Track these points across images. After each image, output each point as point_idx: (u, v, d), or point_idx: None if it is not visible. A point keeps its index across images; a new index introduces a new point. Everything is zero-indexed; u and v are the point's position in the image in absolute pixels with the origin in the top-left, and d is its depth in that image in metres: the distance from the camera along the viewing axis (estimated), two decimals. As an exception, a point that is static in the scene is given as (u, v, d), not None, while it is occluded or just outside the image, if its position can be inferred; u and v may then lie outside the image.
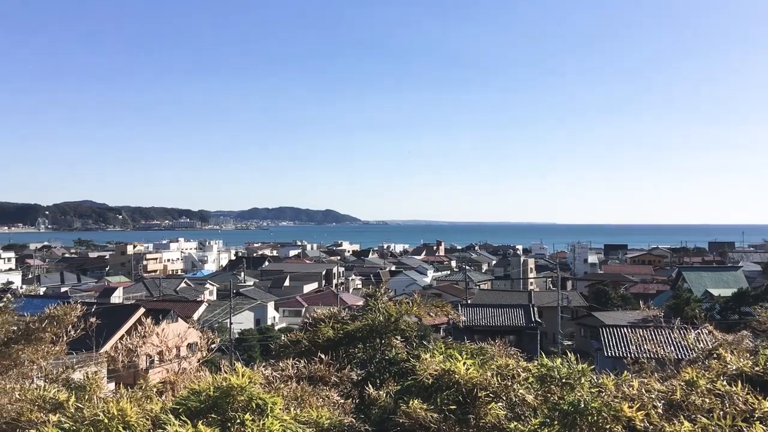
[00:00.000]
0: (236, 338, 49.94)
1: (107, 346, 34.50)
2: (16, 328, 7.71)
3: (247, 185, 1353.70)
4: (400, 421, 5.12)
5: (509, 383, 5.60)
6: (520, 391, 5.61)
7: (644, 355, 11.81)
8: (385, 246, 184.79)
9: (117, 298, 65.18)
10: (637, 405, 5.21)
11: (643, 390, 5.50)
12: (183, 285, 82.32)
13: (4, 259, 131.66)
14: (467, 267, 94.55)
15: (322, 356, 6.70)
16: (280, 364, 6.61)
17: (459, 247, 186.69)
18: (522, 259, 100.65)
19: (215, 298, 73.77)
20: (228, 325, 50.56)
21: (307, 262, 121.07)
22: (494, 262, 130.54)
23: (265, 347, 52.65)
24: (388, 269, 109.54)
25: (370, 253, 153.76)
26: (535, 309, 51.68)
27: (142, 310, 48.32)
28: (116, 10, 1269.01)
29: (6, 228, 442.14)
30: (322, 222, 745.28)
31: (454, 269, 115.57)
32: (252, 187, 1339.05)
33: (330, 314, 8.24)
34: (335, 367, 6.76)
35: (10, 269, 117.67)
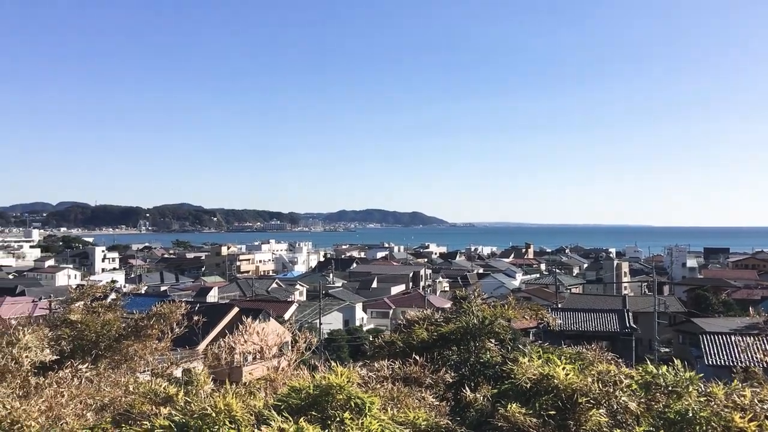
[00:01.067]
0: (325, 338, 50.78)
1: (204, 344, 35.87)
2: (125, 324, 8.14)
3: (335, 188, 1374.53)
4: (498, 424, 5.07)
5: (611, 390, 5.44)
6: (623, 398, 5.44)
7: (752, 363, 11.21)
8: (473, 248, 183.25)
9: (212, 297, 67.46)
10: (749, 415, 4.96)
11: (756, 400, 5.22)
12: (274, 285, 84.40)
13: (109, 259, 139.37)
14: (557, 270, 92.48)
15: (417, 358, 6.72)
16: (375, 364, 6.68)
17: (549, 250, 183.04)
18: (615, 262, 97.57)
19: (305, 299, 75.22)
20: (317, 326, 51.51)
21: (394, 264, 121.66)
22: (586, 265, 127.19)
23: (354, 348, 53.29)
24: (475, 272, 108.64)
25: (458, 256, 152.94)
26: (630, 314, 49.94)
27: (236, 310, 49.92)
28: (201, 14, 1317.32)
29: (111, 230, 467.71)
30: (409, 224, 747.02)
31: (544, 272, 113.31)
32: (340, 190, 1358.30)
33: (423, 316, 8.25)
34: (429, 369, 6.77)
35: (114, 269, 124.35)
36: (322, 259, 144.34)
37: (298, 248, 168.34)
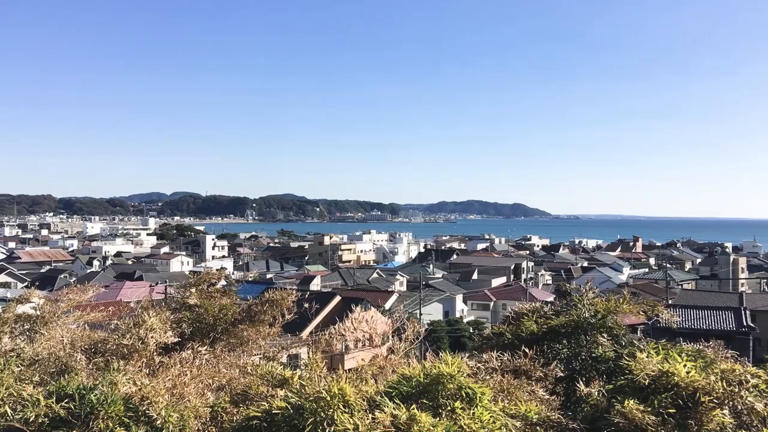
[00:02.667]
0: (425, 329, 50.98)
1: (308, 330, 36.83)
2: (240, 309, 8.49)
3: (435, 179, 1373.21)
4: (615, 420, 4.92)
5: (736, 389, 5.16)
6: (749, 398, 5.14)
7: None
8: (577, 241, 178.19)
9: (315, 285, 69.03)
10: None
11: None
12: (375, 275, 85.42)
13: (218, 247, 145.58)
14: (668, 265, 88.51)
15: (526, 350, 6.63)
16: (484, 355, 6.65)
17: (658, 244, 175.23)
18: (732, 257, 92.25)
19: (405, 289, 75.70)
20: (417, 316, 51.80)
21: (495, 256, 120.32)
22: (699, 260, 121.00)
23: (454, 339, 53.19)
24: (579, 265, 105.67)
25: (561, 248, 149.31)
26: (747, 312, 47.14)
27: (338, 298, 51.00)
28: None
29: (220, 219, 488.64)
30: (510, 216, 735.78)
31: (653, 267, 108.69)
32: (440, 181, 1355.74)
33: (532, 308, 8.13)
34: (539, 362, 6.66)
35: (224, 256, 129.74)
36: (422, 249, 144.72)
37: (398, 239, 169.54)
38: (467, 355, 6.68)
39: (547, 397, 6.16)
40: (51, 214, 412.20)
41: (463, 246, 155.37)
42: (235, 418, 5.41)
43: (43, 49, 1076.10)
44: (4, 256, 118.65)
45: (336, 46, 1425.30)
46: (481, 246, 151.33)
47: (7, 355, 6.12)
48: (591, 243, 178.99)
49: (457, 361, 5.24)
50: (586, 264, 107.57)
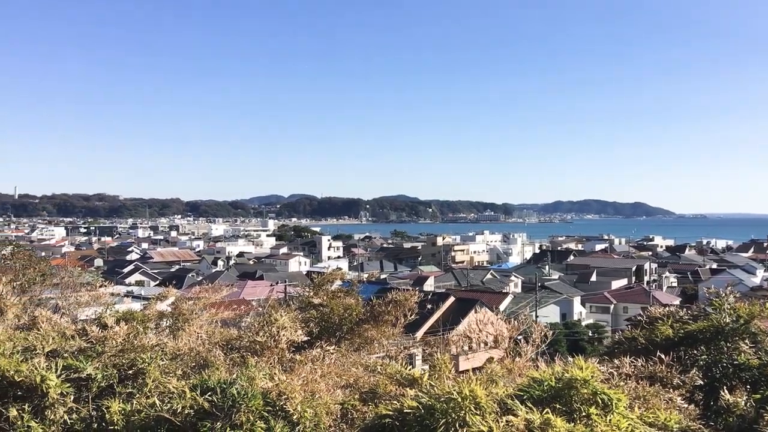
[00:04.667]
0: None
1: (422, 331, 37.02)
2: (364, 309, 8.66)
3: (550, 178, 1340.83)
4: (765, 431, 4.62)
5: None
6: None
7: None
8: (704, 241, 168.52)
9: (429, 286, 69.22)
10: None
11: None
12: (489, 276, 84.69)
13: (334, 247, 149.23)
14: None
15: (661, 356, 6.34)
16: (616, 361, 6.42)
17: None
18: None
19: (520, 291, 74.55)
20: (533, 318, 50.81)
21: (615, 257, 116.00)
22: None
23: (572, 342, 51.76)
24: (707, 267, 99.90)
25: (686, 249, 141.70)
26: None
27: (452, 299, 50.92)
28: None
29: (335, 220, 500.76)
30: (631, 215, 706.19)
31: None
32: (556, 180, 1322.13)
33: (667, 312, 7.76)
34: (676, 369, 6.35)
35: (339, 257, 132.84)
36: (537, 250, 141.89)
37: (512, 239, 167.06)
38: (597, 359, 6.47)
39: (686, 405, 5.86)
40: (179, 216, 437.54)
41: (580, 247, 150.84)
42: (365, 416, 5.51)
43: (169, 54, 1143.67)
44: (139, 256, 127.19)
45: (451, 42, 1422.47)
46: (599, 247, 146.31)
47: (153, 349, 6.52)
48: (720, 243, 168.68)
49: (590, 366, 5.09)
50: (714, 266, 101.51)
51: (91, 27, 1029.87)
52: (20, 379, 5.32)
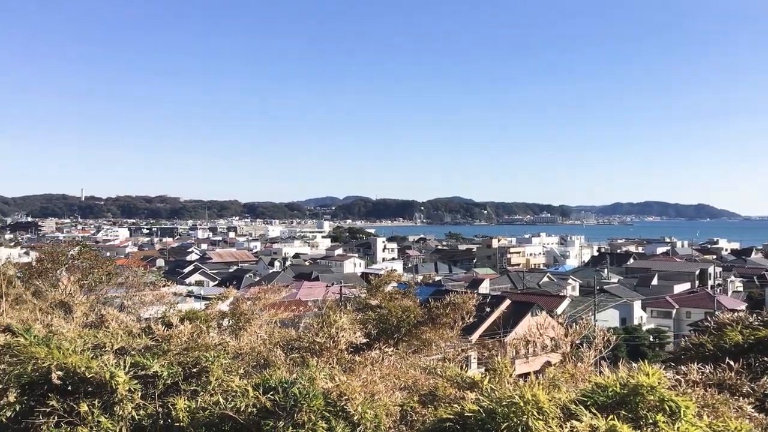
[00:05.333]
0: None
1: (477, 333, 36.75)
2: (422, 312, 8.65)
3: (609, 179, 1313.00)
4: None
5: None
6: None
7: None
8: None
9: (484, 288, 68.69)
10: None
11: None
12: (545, 279, 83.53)
13: (388, 249, 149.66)
14: None
15: (731, 363, 6.12)
16: (682, 367, 6.24)
17: None
18: None
19: (577, 294, 73.31)
20: (592, 322, 49.80)
21: (677, 260, 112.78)
22: None
23: (632, 348, 50.51)
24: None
25: (753, 252, 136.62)
26: None
27: (508, 302, 50.38)
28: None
29: (389, 222, 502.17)
30: (694, 217, 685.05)
31: None
32: (614, 181, 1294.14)
33: (736, 318, 7.50)
34: (746, 376, 6.12)
35: (393, 258, 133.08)
36: (595, 253, 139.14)
37: (569, 242, 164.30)
38: (663, 366, 6.29)
39: (756, 414, 5.65)
40: (237, 218, 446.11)
41: (640, 249, 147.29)
42: (425, 419, 5.49)
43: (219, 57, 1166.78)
44: (198, 256, 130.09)
45: (501, 46, 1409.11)
46: (660, 250, 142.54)
47: (215, 348, 6.65)
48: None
49: (657, 372, 4.95)
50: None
51: (150, 34, 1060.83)
52: (91, 375, 5.49)
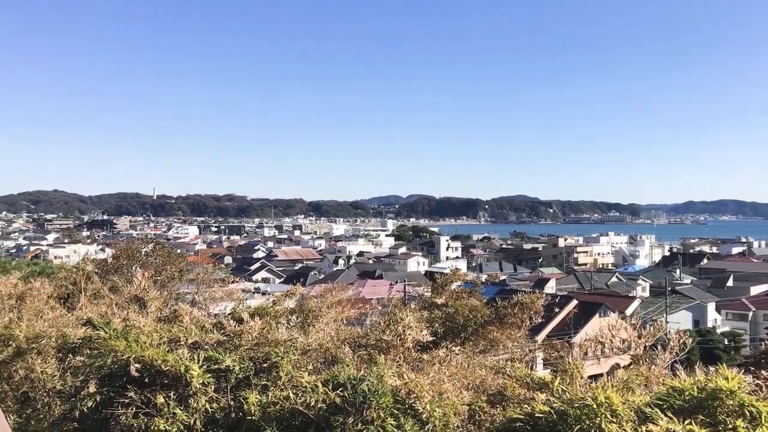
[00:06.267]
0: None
1: (543, 334, 36.18)
2: (489, 311, 8.58)
3: (680, 177, 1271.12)
4: None
5: None
6: None
7: None
8: None
9: (550, 288, 67.58)
10: None
11: None
12: (614, 279, 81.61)
13: (452, 248, 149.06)
14: None
15: (815, 368, 5.84)
16: (763, 371, 5.98)
17: None
18: None
19: (648, 295, 71.32)
20: (663, 324, 48.35)
21: (754, 260, 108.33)
22: None
23: (705, 351, 48.80)
24: None
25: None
26: None
27: (574, 302, 49.40)
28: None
29: (453, 220, 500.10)
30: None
31: None
32: (686, 179, 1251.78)
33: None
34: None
35: (457, 257, 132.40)
36: (666, 253, 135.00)
37: (639, 241, 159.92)
38: (741, 370, 6.06)
39: None
40: (302, 216, 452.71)
41: (714, 249, 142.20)
42: (493, 419, 5.45)
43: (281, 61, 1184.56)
44: (265, 254, 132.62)
45: (561, 45, 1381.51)
46: (736, 250, 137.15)
47: (285, 344, 6.76)
48: None
49: (737, 376, 4.77)
50: None
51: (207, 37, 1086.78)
52: (167, 368, 5.66)
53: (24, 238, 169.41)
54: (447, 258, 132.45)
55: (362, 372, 5.72)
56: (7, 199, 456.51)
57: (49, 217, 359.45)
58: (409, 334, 6.88)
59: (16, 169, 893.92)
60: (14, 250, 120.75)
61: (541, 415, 4.61)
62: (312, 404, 5.11)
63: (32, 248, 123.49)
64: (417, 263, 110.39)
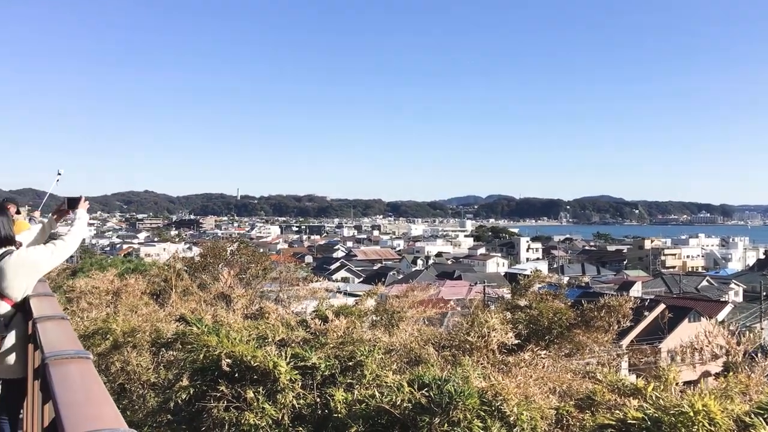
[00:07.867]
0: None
1: (628, 339, 35.09)
2: (575, 314, 8.40)
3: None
4: None
5: None
6: None
7: None
8: None
9: (636, 291, 65.40)
10: None
11: None
12: (704, 283, 78.23)
13: (532, 249, 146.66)
14: None
15: None
16: None
17: None
18: None
19: (741, 300, 68.02)
20: (758, 331, 46.01)
21: None
22: None
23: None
24: None
25: None
26: None
27: (662, 306, 47.67)
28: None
29: (533, 221, 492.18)
30: None
31: None
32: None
33: None
34: None
35: (538, 259, 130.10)
36: (761, 256, 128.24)
37: (732, 243, 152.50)
38: None
39: None
40: (381, 216, 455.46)
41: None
42: (582, 424, 5.33)
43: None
44: (344, 254, 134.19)
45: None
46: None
47: (369, 343, 6.82)
48: None
49: None
50: None
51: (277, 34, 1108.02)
52: (256, 364, 5.83)
53: (117, 237, 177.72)
54: (527, 259, 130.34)
55: (447, 373, 5.71)
56: (101, 199, 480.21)
57: (140, 216, 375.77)
58: (494, 336, 6.82)
59: (110, 171, 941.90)
60: (108, 248, 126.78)
61: (634, 422, 4.47)
62: (397, 403, 5.14)
63: (125, 246, 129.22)
64: (496, 264, 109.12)
